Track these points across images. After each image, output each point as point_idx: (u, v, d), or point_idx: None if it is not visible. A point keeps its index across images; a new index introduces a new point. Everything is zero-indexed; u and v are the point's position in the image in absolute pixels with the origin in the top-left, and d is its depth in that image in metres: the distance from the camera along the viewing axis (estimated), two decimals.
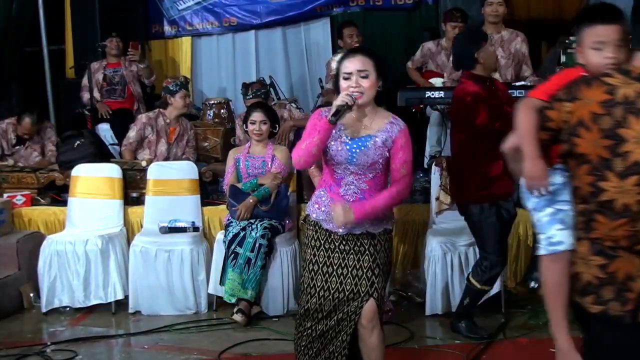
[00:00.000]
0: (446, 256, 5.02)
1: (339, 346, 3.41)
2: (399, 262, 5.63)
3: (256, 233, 5.01)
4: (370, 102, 3.32)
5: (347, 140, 3.31)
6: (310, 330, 3.43)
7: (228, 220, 5.25)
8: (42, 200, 6.04)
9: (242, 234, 5.03)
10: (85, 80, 7.15)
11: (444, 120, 6.36)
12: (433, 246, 5.06)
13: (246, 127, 5.37)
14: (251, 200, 5.14)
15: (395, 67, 7.63)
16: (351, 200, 3.33)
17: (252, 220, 5.12)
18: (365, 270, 3.35)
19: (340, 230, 3.34)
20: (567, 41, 6.96)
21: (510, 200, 4.52)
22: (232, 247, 5.01)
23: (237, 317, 4.96)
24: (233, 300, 4.99)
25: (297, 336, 3.51)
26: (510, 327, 4.79)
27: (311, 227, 3.44)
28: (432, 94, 5.73)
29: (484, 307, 5.00)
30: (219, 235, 5.29)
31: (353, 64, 3.27)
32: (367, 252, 3.36)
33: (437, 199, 5.45)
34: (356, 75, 3.25)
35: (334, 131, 3.29)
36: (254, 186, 5.21)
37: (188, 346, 4.68)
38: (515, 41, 6.08)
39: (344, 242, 3.37)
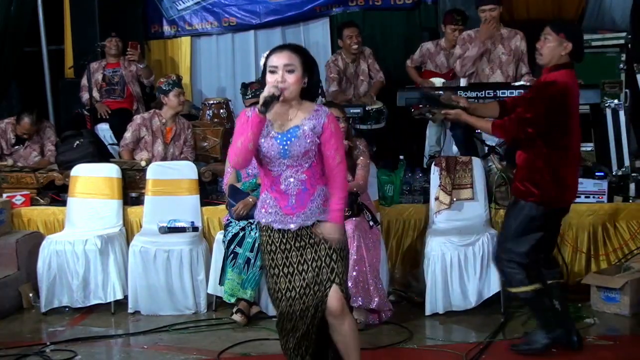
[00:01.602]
0: (446, 256, 5.02)
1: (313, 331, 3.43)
2: (399, 262, 5.63)
3: (255, 233, 5.00)
4: (295, 97, 3.36)
5: (277, 135, 3.35)
6: (289, 335, 3.45)
7: (227, 220, 5.24)
8: (41, 200, 6.04)
9: (241, 234, 5.03)
10: (84, 80, 7.15)
11: (443, 120, 6.34)
12: (433, 246, 5.06)
13: None
14: (250, 200, 5.13)
15: (395, 67, 7.65)
16: (294, 193, 3.36)
17: (251, 220, 5.11)
18: (323, 259, 3.39)
19: (292, 226, 3.38)
20: None
21: None
22: (232, 247, 5.01)
23: (237, 317, 4.96)
24: (232, 300, 4.99)
25: (282, 342, 3.52)
26: (510, 327, 4.79)
27: (264, 232, 3.47)
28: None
29: (484, 307, 5.01)
30: (219, 235, 5.29)
31: (280, 59, 3.32)
32: (322, 241, 3.40)
33: (437, 199, 5.46)
34: (282, 69, 3.29)
35: (262, 129, 3.32)
36: (254, 186, 5.20)
37: (187, 346, 4.68)
38: (514, 38, 6.12)
39: (298, 239, 3.41)
